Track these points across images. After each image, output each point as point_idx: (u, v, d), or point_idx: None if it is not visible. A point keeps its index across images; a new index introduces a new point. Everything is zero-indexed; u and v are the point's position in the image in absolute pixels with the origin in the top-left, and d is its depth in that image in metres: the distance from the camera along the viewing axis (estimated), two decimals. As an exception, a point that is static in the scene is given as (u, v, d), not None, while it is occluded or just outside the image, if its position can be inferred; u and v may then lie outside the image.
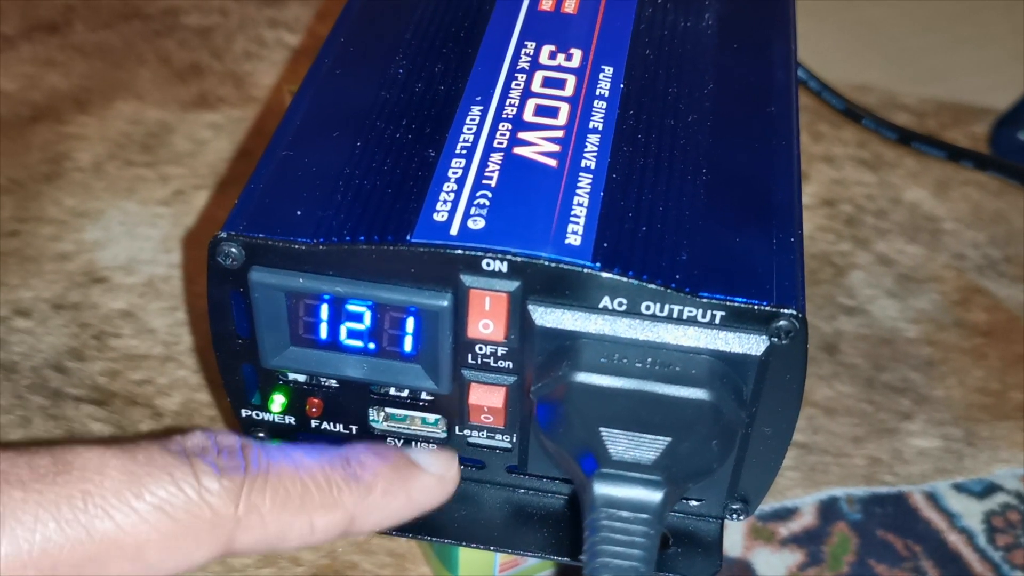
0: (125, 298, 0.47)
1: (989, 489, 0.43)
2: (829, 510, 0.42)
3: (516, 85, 0.31)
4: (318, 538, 0.28)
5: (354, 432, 0.31)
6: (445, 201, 0.28)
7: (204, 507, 0.26)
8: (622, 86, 0.32)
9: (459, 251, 0.26)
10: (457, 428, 0.31)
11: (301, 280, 0.27)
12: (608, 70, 0.32)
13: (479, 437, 0.31)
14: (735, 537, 0.41)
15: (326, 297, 0.28)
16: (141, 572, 0.25)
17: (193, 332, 0.46)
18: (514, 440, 0.30)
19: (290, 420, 0.31)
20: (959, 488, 0.43)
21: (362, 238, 0.27)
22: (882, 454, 0.44)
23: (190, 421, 0.43)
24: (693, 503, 0.31)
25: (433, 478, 0.29)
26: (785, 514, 0.42)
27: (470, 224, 0.27)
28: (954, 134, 0.59)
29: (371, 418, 0.31)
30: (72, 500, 0.25)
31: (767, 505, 0.42)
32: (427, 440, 0.31)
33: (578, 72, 0.32)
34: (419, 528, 0.31)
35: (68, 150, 0.54)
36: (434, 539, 0.31)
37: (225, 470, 0.26)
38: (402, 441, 0.31)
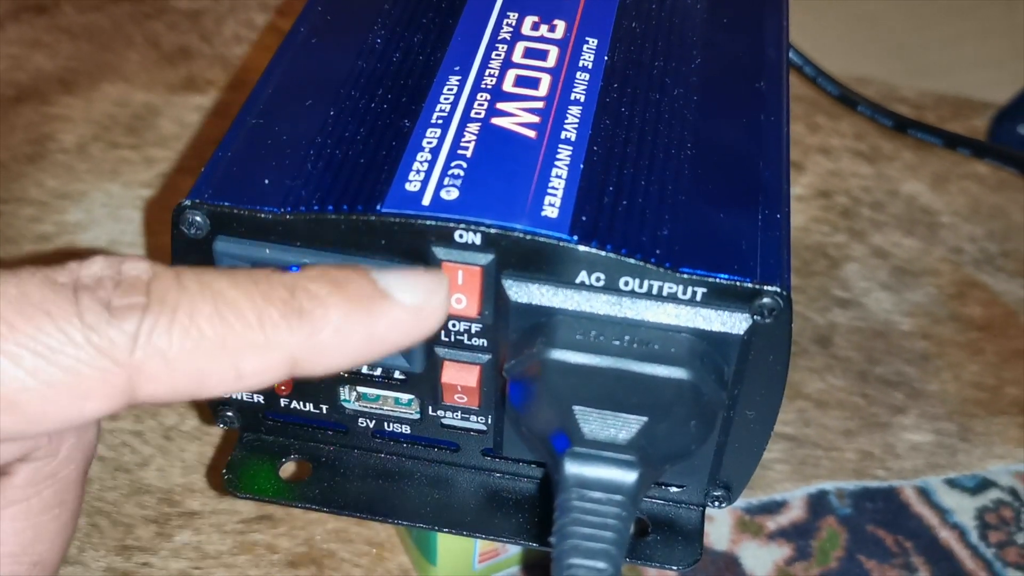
0: (105, 280, 0.46)
1: (982, 485, 0.42)
2: (819, 504, 0.41)
3: (496, 55, 0.30)
4: (249, 383, 0.23)
5: (324, 411, 0.30)
6: (418, 171, 0.27)
7: (90, 352, 0.21)
8: (606, 58, 0.31)
9: (431, 222, 0.25)
10: (431, 409, 0.30)
11: (268, 251, 0.27)
12: (592, 42, 0.31)
13: (453, 418, 0.30)
14: (722, 530, 0.40)
15: (294, 269, 0.27)
16: (20, 426, 0.21)
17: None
18: (489, 422, 0.29)
19: (258, 399, 0.30)
20: (952, 484, 0.42)
21: (331, 208, 0.26)
22: (874, 448, 0.43)
23: (167, 405, 0.42)
24: (674, 489, 0.30)
25: (407, 311, 0.23)
26: (773, 507, 0.41)
27: (443, 194, 0.26)
28: (953, 127, 0.58)
29: (342, 397, 0.30)
30: None
31: (755, 498, 0.41)
32: (400, 422, 0.30)
33: (561, 43, 0.31)
34: (391, 511, 0.30)
35: (52, 131, 0.53)
36: (405, 523, 0.30)
37: (119, 309, 0.21)
38: (373, 422, 0.30)
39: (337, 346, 0.23)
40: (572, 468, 0.24)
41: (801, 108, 0.57)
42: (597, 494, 0.24)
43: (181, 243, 0.27)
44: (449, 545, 0.35)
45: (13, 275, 0.22)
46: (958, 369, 0.46)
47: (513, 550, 0.37)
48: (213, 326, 0.22)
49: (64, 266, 0.22)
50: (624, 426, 0.25)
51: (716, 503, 0.30)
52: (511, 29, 0.31)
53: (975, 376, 0.45)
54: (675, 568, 0.29)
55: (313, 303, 0.23)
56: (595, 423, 0.25)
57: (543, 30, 0.31)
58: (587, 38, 0.31)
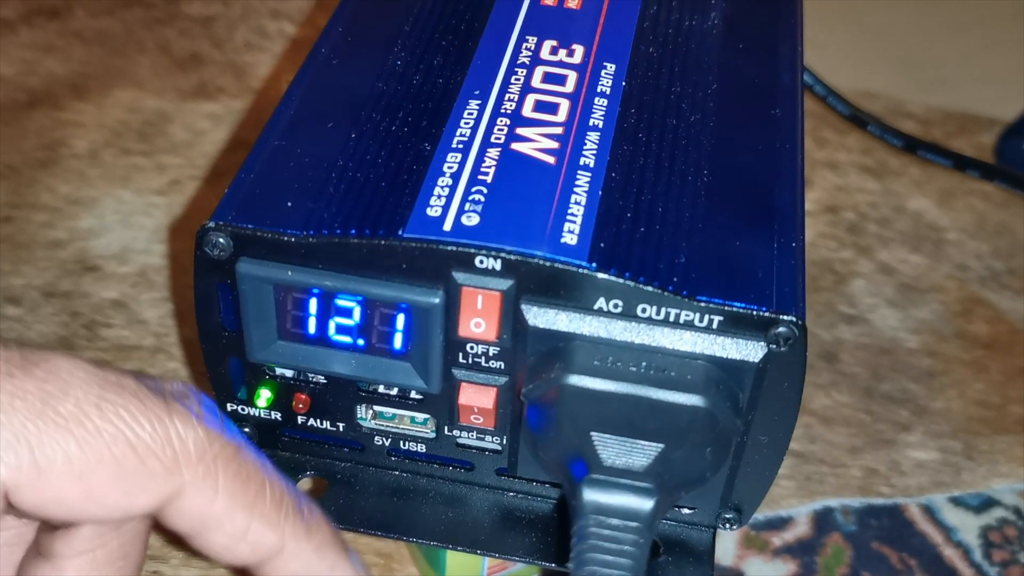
0: (117, 288, 0.47)
1: (987, 503, 0.42)
2: (824, 521, 0.41)
3: (516, 80, 0.31)
4: (240, 552, 0.25)
5: (341, 429, 0.31)
6: (439, 196, 0.27)
7: (169, 446, 0.23)
8: (624, 84, 0.31)
9: (452, 247, 0.26)
10: (446, 428, 0.30)
11: (290, 273, 0.27)
12: (610, 67, 0.31)
13: (468, 438, 0.30)
14: (727, 545, 0.40)
15: (315, 291, 0.27)
16: (80, 498, 0.23)
17: (183, 324, 0.45)
18: (504, 442, 0.30)
19: (276, 415, 0.31)
20: (956, 502, 0.42)
21: (353, 231, 0.26)
22: (879, 465, 0.43)
23: (178, 414, 0.42)
24: (685, 511, 0.30)
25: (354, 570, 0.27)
26: (779, 523, 0.41)
27: (464, 220, 0.26)
28: (960, 143, 0.58)
29: (359, 416, 0.30)
30: (28, 397, 0.22)
31: (761, 514, 0.41)
32: (415, 440, 0.31)
33: (579, 68, 0.31)
34: (406, 529, 0.31)
35: (64, 137, 0.54)
36: (420, 541, 0.31)
37: (203, 419, 0.24)
38: (389, 439, 0.31)
39: (309, 562, 0.26)
40: (590, 495, 0.25)
41: (809, 123, 0.57)
42: (615, 521, 0.24)
43: (205, 264, 0.27)
44: (457, 558, 0.36)
45: (111, 367, 0.24)
46: (963, 387, 0.46)
47: (521, 564, 0.37)
48: (255, 483, 0.25)
49: (149, 376, 0.25)
50: (641, 453, 0.25)
51: (727, 525, 0.30)
52: (530, 53, 0.32)
53: (980, 394, 0.46)
54: (686, 589, 0.30)
55: (311, 517, 0.26)
56: (613, 450, 0.25)
57: (562, 55, 0.32)
58: (605, 63, 0.32)
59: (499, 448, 0.30)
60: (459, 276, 0.26)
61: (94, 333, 0.45)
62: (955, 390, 0.46)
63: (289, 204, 0.27)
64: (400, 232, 0.26)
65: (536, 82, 0.31)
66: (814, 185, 0.55)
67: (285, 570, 0.26)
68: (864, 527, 0.41)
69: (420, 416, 0.30)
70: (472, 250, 0.26)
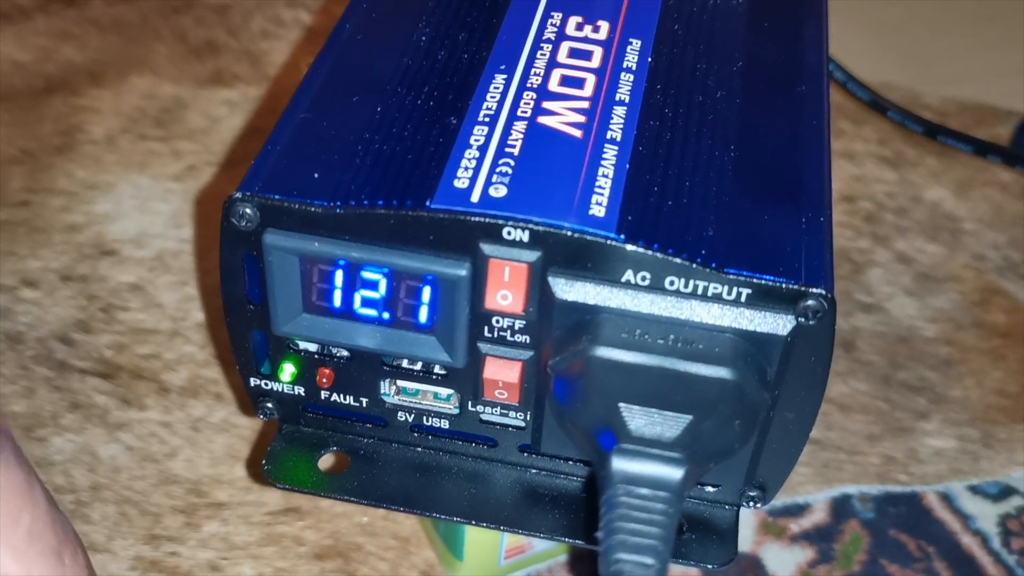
0: (134, 271, 0.47)
1: (1005, 492, 0.42)
2: (842, 508, 0.41)
3: (541, 55, 0.31)
4: None
5: (364, 405, 0.31)
6: (466, 168, 0.27)
7: None
8: (650, 60, 0.31)
9: (479, 218, 0.26)
10: (470, 404, 0.30)
11: (316, 244, 0.27)
12: (636, 43, 0.31)
13: (492, 414, 0.30)
14: (745, 532, 0.40)
15: (341, 263, 0.27)
16: None
17: (202, 308, 0.45)
18: (528, 418, 0.30)
19: (299, 391, 0.31)
20: (974, 490, 0.42)
21: (380, 203, 0.26)
22: (897, 453, 0.43)
23: (196, 397, 0.42)
24: (709, 489, 0.30)
25: None
26: (797, 510, 0.41)
27: (491, 191, 0.26)
28: (977, 135, 0.58)
29: (382, 391, 0.30)
30: None
31: (779, 500, 0.41)
32: (439, 416, 0.30)
33: (605, 44, 0.31)
34: (428, 505, 0.31)
35: (81, 123, 0.54)
36: (443, 516, 0.30)
37: None
38: (413, 416, 0.31)
39: None
40: (619, 464, 0.25)
41: (825, 113, 0.57)
42: (644, 490, 0.24)
43: (231, 235, 0.27)
44: (476, 540, 0.36)
45: None
46: (981, 376, 0.46)
47: (539, 547, 0.37)
48: None
49: None
50: (670, 424, 0.25)
51: (751, 503, 0.30)
52: (555, 29, 0.32)
53: (998, 383, 0.46)
54: (711, 567, 0.29)
55: None
56: (641, 420, 0.25)
57: (587, 31, 0.32)
58: (631, 39, 0.31)
59: (523, 424, 0.30)
60: (486, 248, 0.26)
61: (111, 316, 0.45)
62: (973, 379, 0.46)
63: (316, 176, 0.27)
64: (427, 203, 0.26)
65: (562, 57, 0.31)
66: (831, 175, 0.54)
67: None
68: (882, 514, 0.41)
69: (444, 392, 0.30)
70: (500, 221, 0.26)
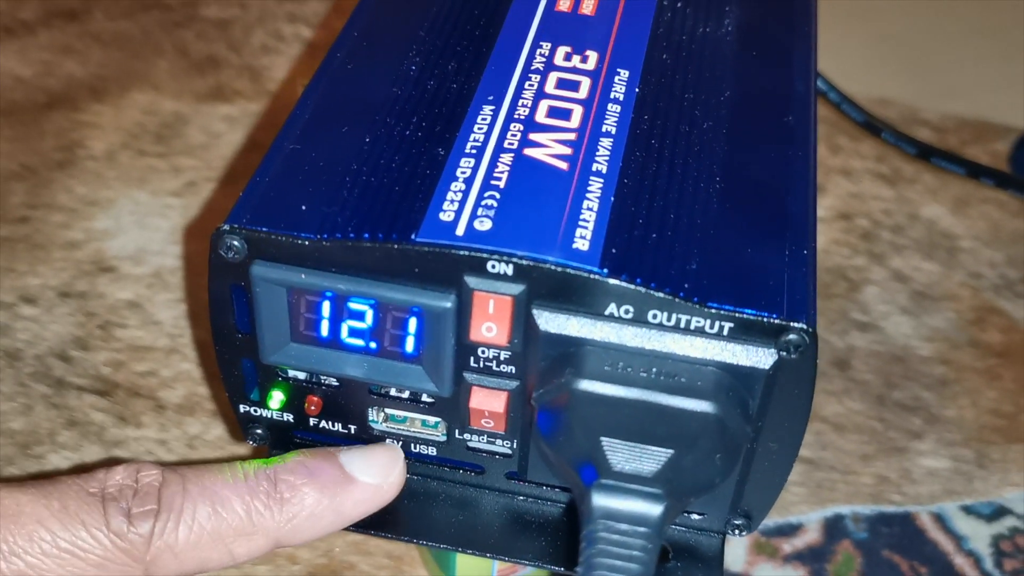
0: (132, 288, 0.47)
1: (998, 512, 0.42)
2: (834, 528, 0.41)
3: (529, 85, 0.31)
4: (241, 561, 0.29)
5: (352, 432, 0.31)
6: (452, 201, 0.27)
7: (115, 552, 0.27)
8: (637, 90, 0.31)
9: (464, 252, 0.26)
10: (457, 432, 0.30)
11: (303, 276, 0.27)
12: (624, 73, 0.32)
13: (479, 442, 0.30)
14: (738, 552, 0.40)
15: (328, 294, 0.27)
16: None
17: (197, 325, 0.46)
18: (514, 446, 0.30)
19: (288, 417, 0.31)
20: (968, 510, 0.42)
21: (367, 235, 0.26)
22: (890, 473, 0.43)
23: (192, 415, 0.42)
24: (695, 517, 0.31)
25: (368, 489, 0.29)
26: (789, 530, 0.41)
27: (476, 225, 0.27)
28: (975, 151, 0.58)
29: (370, 418, 0.30)
30: None
31: (771, 520, 0.41)
32: (426, 443, 0.31)
33: (593, 75, 0.31)
34: (416, 532, 0.31)
35: (81, 138, 0.54)
36: (430, 544, 0.31)
37: (136, 517, 0.27)
38: (400, 442, 0.31)
39: (311, 526, 0.29)
40: (599, 500, 0.25)
41: (823, 129, 0.57)
42: (624, 526, 0.24)
43: (219, 266, 0.27)
44: (467, 561, 0.36)
45: (55, 487, 0.28)
46: (976, 395, 0.46)
47: (531, 568, 0.38)
48: (211, 522, 0.28)
49: (93, 475, 0.28)
50: (651, 459, 0.25)
51: (736, 531, 0.30)
52: (544, 59, 0.32)
53: (993, 403, 0.46)
54: (695, 595, 0.30)
55: (291, 492, 0.29)
56: (622, 455, 0.25)
57: (575, 61, 0.32)
58: (619, 69, 0.32)
59: (509, 452, 0.30)
60: (471, 280, 0.26)
61: (109, 333, 0.45)
62: (968, 398, 0.46)
63: (303, 208, 0.27)
64: (413, 236, 0.26)
65: (550, 88, 0.31)
66: (828, 192, 0.55)
67: (294, 544, 0.29)
68: (875, 535, 0.41)
69: (431, 419, 0.30)
70: (484, 255, 0.26)
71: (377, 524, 0.31)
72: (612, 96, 0.31)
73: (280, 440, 0.32)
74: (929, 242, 0.53)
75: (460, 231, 0.26)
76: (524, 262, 0.26)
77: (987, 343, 0.48)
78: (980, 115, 0.61)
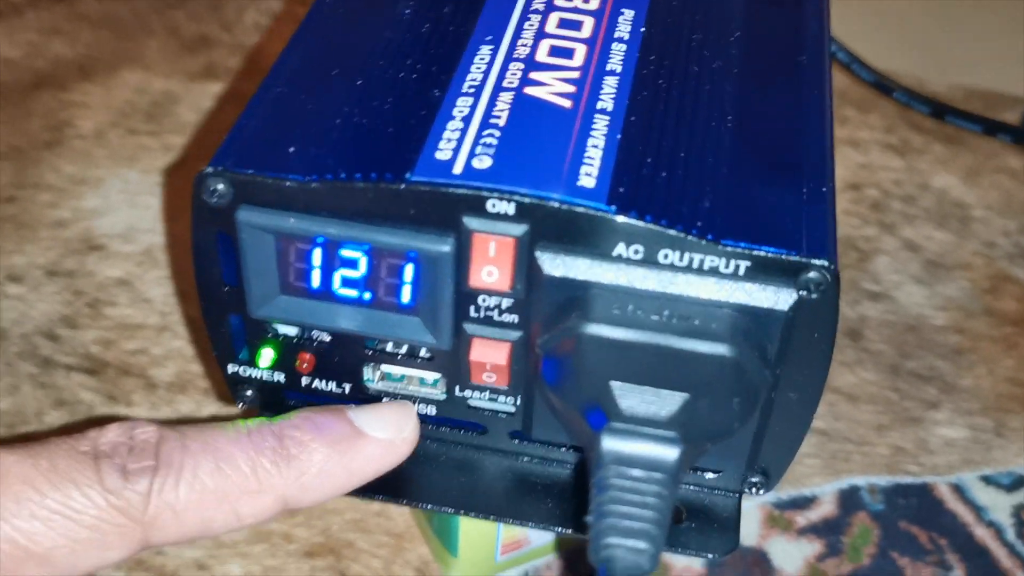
0: (122, 266, 0.46)
1: (1019, 482, 0.41)
2: (850, 500, 0.40)
3: (529, 25, 0.30)
4: (247, 523, 0.27)
5: (347, 392, 0.29)
6: (449, 139, 0.26)
7: (110, 511, 0.25)
8: (643, 30, 0.30)
9: (462, 190, 0.25)
10: (457, 389, 0.29)
11: (292, 221, 0.26)
12: (628, 13, 0.30)
13: (481, 399, 0.29)
14: (751, 525, 0.39)
15: (319, 240, 0.26)
16: (51, 574, 0.25)
17: (188, 303, 0.44)
18: (518, 403, 0.28)
19: (279, 377, 0.29)
20: (987, 480, 0.41)
21: (358, 176, 0.25)
22: (907, 443, 0.42)
23: (184, 392, 0.41)
24: (710, 475, 0.29)
25: (381, 445, 0.27)
26: (804, 503, 0.40)
27: (475, 163, 0.25)
28: (985, 122, 0.56)
29: (366, 377, 0.29)
30: None
31: (785, 493, 0.40)
32: (426, 402, 0.29)
33: (596, 14, 0.30)
34: (416, 495, 0.29)
35: (70, 117, 0.53)
36: (430, 507, 0.29)
37: (132, 473, 0.25)
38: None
39: (320, 484, 0.27)
40: (610, 444, 0.23)
41: (830, 101, 0.56)
42: (636, 471, 0.23)
43: (203, 212, 0.26)
44: (471, 536, 0.34)
45: (44, 447, 0.25)
46: (992, 364, 0.45)
47: (536, 542, 0.36)
48: (214, 479, 0.26)
49: (85, 435, 0.26)
50: (665, 402, 0.24)
51: (753, 489, 0.29)
52: (544, 0, 0.31)
53: (1010, 371, 0.44)
54: (711, 556, 0.28)
55: (299, 448, 0.26)
56: (634, 399, 0.24)
57: (577, 1, 0.31)
58: (623, 9, 0.30)
59: (512, 410, 0.29)
60: (470, 221, 0.25)
61: (98, 312, 0.44)
62: (984, 367, 0.44)
63: (291, 150, 0.26)
64: (407, 175, 0.25)
65: (551, 28, 0.29)
66: (836, 163, 0.53)
67: (303, 505, 0.27)
68: (892, 506, 0.40)
69: (430, 376, 0.29)
70: (484, 193, 0.24)
71: (374, 488, 0.29)
72: (617, 35, 0.29)
73: (271, 402, 0.30)
74: (940, 212, 0.51)
75: (458, 169, 0.25)
76: (526, 200, 0.24)
77: (1003, 311, 0.47)
78: (988, 86, 0.59)
